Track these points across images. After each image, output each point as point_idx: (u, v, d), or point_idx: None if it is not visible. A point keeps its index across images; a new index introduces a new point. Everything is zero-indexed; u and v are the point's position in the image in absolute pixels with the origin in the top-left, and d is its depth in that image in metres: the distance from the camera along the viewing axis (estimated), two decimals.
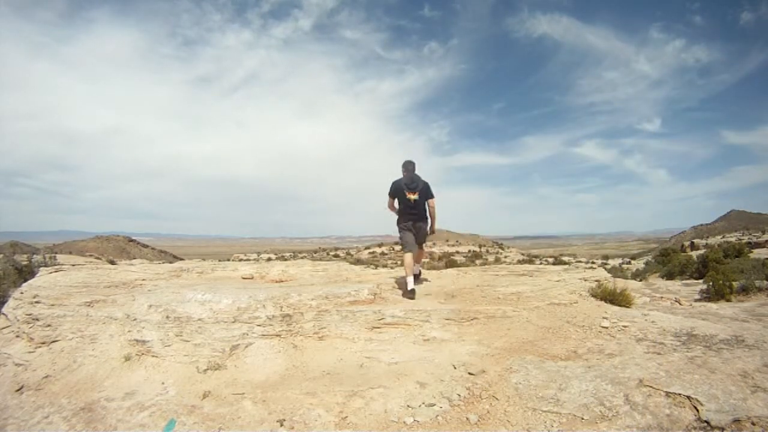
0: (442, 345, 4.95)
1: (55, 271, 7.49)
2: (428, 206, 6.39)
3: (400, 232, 6.39)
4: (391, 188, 6.31)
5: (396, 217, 6.49)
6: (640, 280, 18.29)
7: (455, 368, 4.39)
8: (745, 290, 10.76)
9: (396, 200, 6.35)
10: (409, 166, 6.25)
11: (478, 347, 4.84)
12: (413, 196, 6.16)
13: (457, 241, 75.03)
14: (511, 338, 5.06)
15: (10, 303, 6.30)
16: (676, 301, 7.86)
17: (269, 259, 36.33)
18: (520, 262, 42.52)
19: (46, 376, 4.89)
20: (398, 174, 6.40)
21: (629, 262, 44.57)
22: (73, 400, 4.39)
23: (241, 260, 39.72)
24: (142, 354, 5.01)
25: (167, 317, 5.30)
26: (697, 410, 3.29)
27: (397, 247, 58.91)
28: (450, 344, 4.96)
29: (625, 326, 5.23)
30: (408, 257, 6.11)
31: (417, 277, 6.86)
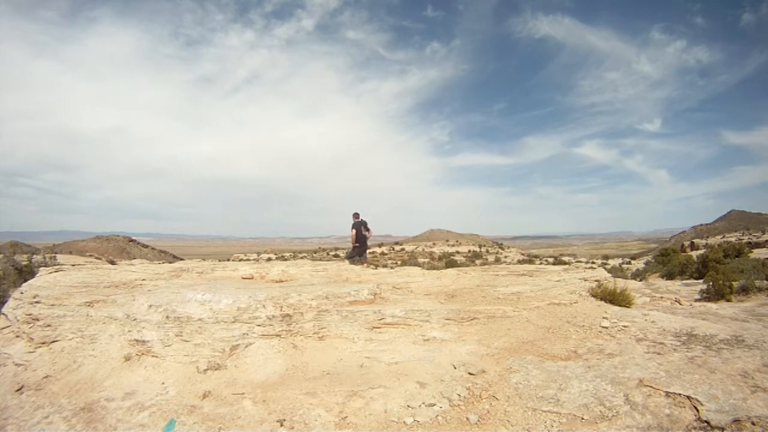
0: (442, 345, 4.95)
1: (55, 271, 7.50)
2: (368, 235, 11.64)
3: (353, 249, 11.46)
4: (354, 226, 11.23)
5: (351, 241, 11.58)
6: (640, 280, 18.29)
7: (455, 368, 4.39)
8: (745, 290, 10.76)
9: (355, 232, 11.31)
10: (357, 215, 11.31)
11: (478, 347, 4.85)
12: (365, 232, 11.43)
13: (457, 241, 75.06)
14: (511, 338, 5.06)
15: (10, 303, 6.30)
16: (676, 301, 7.86)
17: (269, 259, 36.32)
18: (520, 262, 42.52)
19: (46, 376, 4.89)
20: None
21: (629, 262, 44.54)
22: (73, 400, 4.40)
23: (241, 260, 39.71)
24: (142, 354, 5.01)
25: (167, 317, 5.31)
26: (697, 410, 3.30)
27: (398, 247, 64.22)
28: (450, 344, 4.96)
29: (625, 326, 5.24)
30: (349, 261, 10.99)
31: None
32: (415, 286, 6.98)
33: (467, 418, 3.57)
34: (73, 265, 9.12)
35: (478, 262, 43.54)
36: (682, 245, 43.25)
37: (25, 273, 9.66)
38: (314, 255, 55.22)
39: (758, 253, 24.30)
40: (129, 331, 5.30)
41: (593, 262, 40.47)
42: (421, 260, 44.19)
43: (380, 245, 65.81)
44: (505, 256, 55.85)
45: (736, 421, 3.13)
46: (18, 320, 5.85)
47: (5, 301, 6.62)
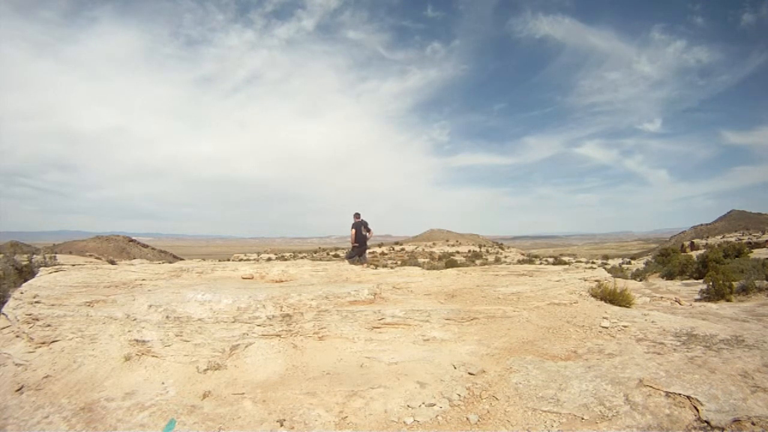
0: (442, 345, 4.95)
1: (55, 271, 7.49)
2: (368, 235, 11.69)
3: (353, 249, 11.55)
4: (354, 226, 11.31)
5: (350, 239, 11.68)
6: (640, 280, 18.29)
7: (455, 368, 4.39)
8: (745, 290, 10.77)
9: (355, 232, 11.39)
10: (358, 215, 11.40)
11: (478, 347, 4.85)
12: (365, 232, 11.49)
13: (457, 241, 75.01)
14: (511, 338, 5.06)
15: (10, 303, 6.30)
16: (676, 301, 7.86)
17: (269, 259, 36.29)
18: (520, 262, 42.51)
19: (46, 376, 4.89)
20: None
21: (629, 262, 44.53)
22: (73, 400, 4.39)
23: (241, 260, 39.69)
24: (142, 354, 5.01)
25: (167, 317, 5.31)
26: (697, 410, 3.29)
27: (398, 247, 64.10)
28: (450, 344, 4.96)
29: (625, 326, 5.24)
30: (349, 261, 11.02)
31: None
32: (415, 286, 6.98)
33: (467, 418, 3.57)
34: (73, 265, 9.12)
35: (478, 262, 43.52)
36: (682, 245, 43.24)
37: (25, 273, 9.66)
38: (314, 255, 55.17)
39: (758, 253, 24.30)
40: (129, 331, 5.30)
41: (593, 262, 40.45)
42: (421, 260, 44.17)
43: (380, 245, 65.75)
44: (505, 256, 55.82)
45: (736, 421, 3.13)
46: (18, 320, 5.85)
47: (5, 301, 6.62)
